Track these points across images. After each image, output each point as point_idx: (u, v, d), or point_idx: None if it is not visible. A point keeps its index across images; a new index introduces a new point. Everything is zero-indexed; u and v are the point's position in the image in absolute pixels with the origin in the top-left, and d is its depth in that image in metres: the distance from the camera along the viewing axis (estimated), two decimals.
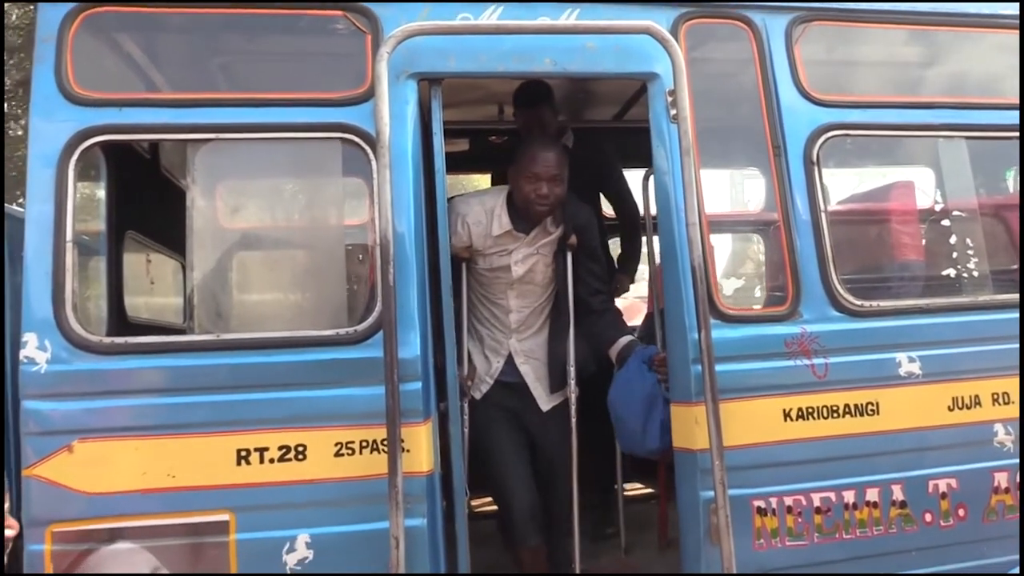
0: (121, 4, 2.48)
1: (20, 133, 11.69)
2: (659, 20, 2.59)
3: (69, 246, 2.30)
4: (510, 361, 3.04)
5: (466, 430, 2.87)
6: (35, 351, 2.25)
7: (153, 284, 3.41)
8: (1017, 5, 2.99)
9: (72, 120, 2.35)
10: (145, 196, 3.29)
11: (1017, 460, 2.78)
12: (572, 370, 3.00)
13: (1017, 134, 2.95)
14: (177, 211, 3.46)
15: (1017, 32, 2.99)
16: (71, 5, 2.40)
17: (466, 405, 2.90)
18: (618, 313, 3.19)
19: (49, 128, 2.34)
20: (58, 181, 2.32)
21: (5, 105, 11.06)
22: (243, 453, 2.31)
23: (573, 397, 2.99)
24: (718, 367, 2.42)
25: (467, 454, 2.82)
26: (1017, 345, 2.79)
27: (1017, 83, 2.95)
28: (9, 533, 1.40)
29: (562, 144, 3.09)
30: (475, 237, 2.97)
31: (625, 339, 3.01)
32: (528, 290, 3.03)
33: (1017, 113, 2.93)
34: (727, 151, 3.23)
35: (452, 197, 2.99)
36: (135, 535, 2.25)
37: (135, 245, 3.29)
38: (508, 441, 3.01)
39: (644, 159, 2.88)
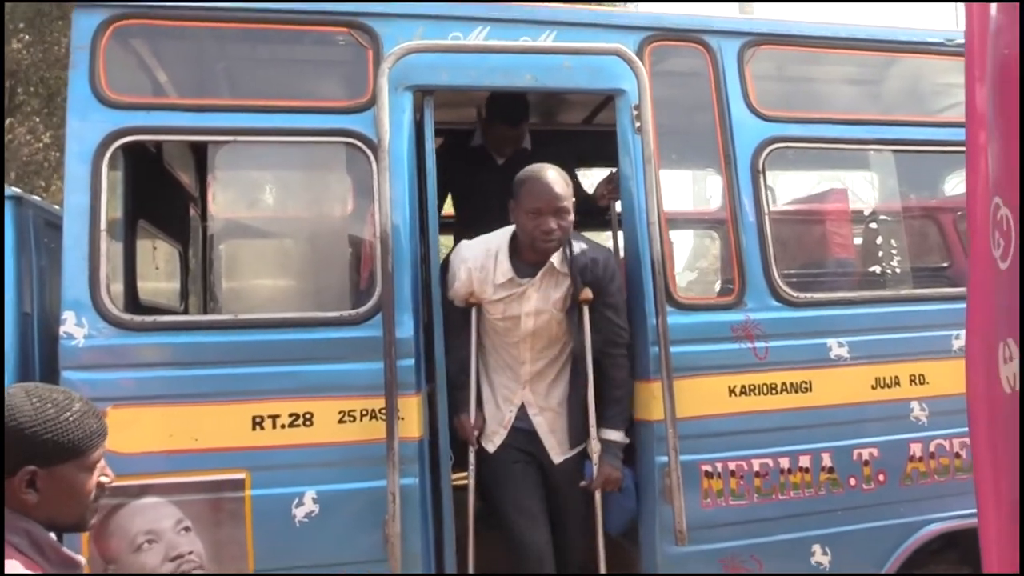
0: (147, 18, 2.75)
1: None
2: (627, 42, 2.94)
3: (103, 234, 2.58)
4: (523, 410, 2.94)
5: (471, 481, 2.88)
6: (73, 327, 2.52)
7: (158, 269, 3.67)
8: (939, 34, 3.38)
9: (105, 121, 2.61)
10: (151, 188, 3.55)
11: (930, 432, 3.18)
12: (594, 430, 2.89)
13: (941, 149, 3.34)
14: (177, 203, 3.74)
15: (941, 58, 3.39)
16: (103, 16, 2.66)
17: (473, 456, 2.90)
18: (624, 383, 2.93)
19: (84, 128, 2.60)
20: (93, 176, 2.58)
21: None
22: (258, 419, 2.60)
23: (595, 457, 2.88)
24: (673, 348, 2.79)
25: (473, 504, 2.86)
26: (931, 334, 3.18)
27: (941, 103, 3.35)
28: (104, 480, 1.68)
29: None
30: (476, 283, 2.84)
31: (607, 435, 2.88)
32: (542, 343, 2.90)
33: (941, 130, 3.32)
34: (685, 157, 3.57)
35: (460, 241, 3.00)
36: (162, 491, 2.53)
37: (144, 233, 3.56)
38: (522, 484, 2.90)
39: (611, 160, 3.19)
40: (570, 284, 2.85)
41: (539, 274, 2.82)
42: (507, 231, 2.88)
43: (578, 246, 2.86)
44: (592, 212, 3.62)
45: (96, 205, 2.58)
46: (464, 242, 2.95)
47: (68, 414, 1.55)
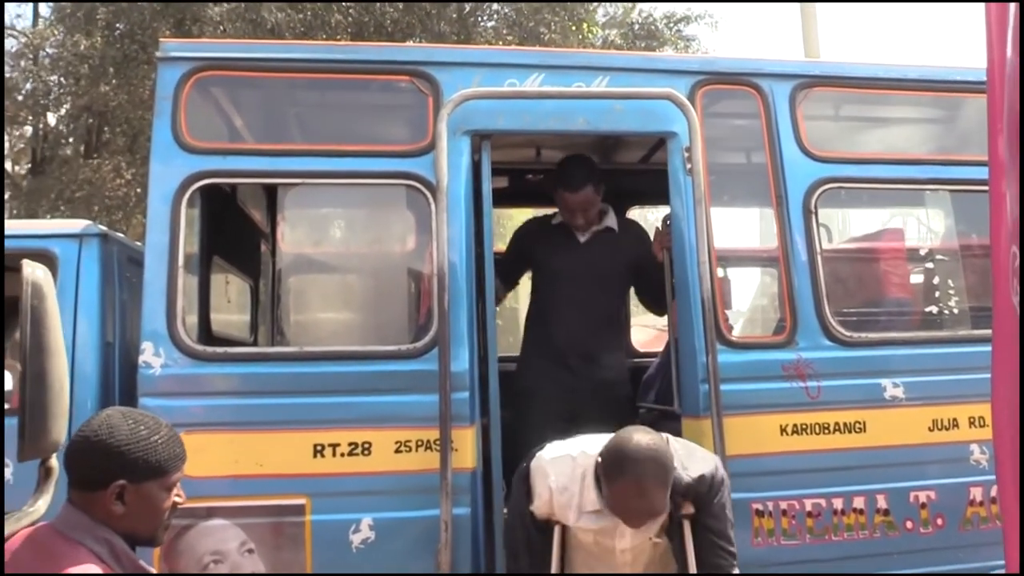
0: (225, 70, 2.95)
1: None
2: (678, 86, 3.02)
3: (180, 270, 2.76)
4: None
5: None
6: (151, 357, 2.70)
7: (230, 302, 3.86)
8: None
9: (185, 165, 2.81)
10: (225, 226, 3.75)
11: (992, 476, 3.11)
12: None
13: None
14: (249, 239, 3.94)
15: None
16: (185, 68, 2.87)
17: None
18: None
19: (166, 172, 2.80)
20: (172, 216, 2.77)
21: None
22: (319, 447, 2.72)
23: None
24: (723, 386, 2.82)
25: None
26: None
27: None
28: (177, 500, 1.81)
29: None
30: (558, 507, 2.40)
31: None
32: (640, 568, 2.54)
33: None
34: (737, 197, 3.61)
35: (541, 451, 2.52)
36: (227, 513, 2.64)
37: (218, 268, 3.76)
38: None
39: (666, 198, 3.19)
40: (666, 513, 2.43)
41: None
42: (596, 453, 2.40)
43: (675, 466, 2.36)
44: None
45: (175, 243, 2.76)
46: (548, 450, 2.50)
47: (157, 436, 1.69)
